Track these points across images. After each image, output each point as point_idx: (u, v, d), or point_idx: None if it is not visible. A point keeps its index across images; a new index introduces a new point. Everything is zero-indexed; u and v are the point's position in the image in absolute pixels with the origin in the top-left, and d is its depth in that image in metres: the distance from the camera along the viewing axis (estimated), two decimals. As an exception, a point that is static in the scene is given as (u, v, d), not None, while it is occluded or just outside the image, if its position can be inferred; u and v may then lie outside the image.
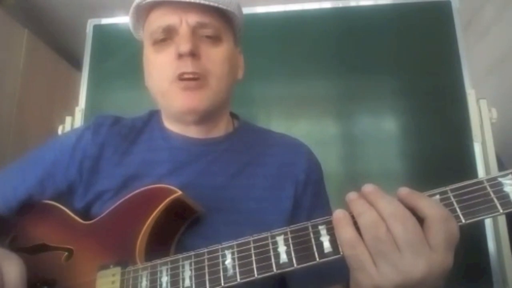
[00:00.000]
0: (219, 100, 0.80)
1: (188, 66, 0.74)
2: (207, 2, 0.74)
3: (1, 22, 2.19)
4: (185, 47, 0.73)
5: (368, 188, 0.51)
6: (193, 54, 0.74)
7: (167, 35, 0.76)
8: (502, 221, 1.48)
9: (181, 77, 0.74)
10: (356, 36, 1.75)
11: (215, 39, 0.78)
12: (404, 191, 0.51)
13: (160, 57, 0.77)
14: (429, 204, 0.48)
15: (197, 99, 0.75)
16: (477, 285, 1.47)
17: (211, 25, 0.77)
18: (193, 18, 0.75)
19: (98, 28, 1.89)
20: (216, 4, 0.75)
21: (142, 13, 0.81)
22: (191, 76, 0.74)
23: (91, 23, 1.89)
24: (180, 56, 0.74)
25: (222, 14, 0.79)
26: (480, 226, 1.49)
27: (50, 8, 2.52)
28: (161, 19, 0.77)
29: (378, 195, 0.50)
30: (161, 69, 0.77)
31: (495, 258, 1.47)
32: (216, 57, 0.78)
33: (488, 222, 1.50)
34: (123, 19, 1.89)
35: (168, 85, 0.76)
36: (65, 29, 2.68)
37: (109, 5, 2.28)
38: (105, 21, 1.90)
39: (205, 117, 0.80)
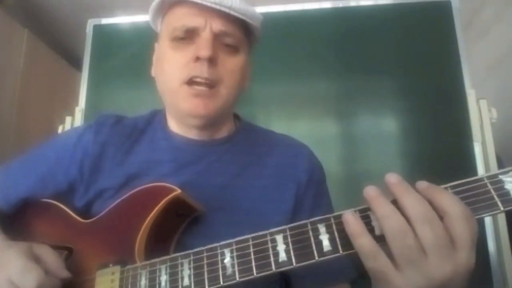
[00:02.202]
0: (225, 109, 0.81)
1: (203, 72, 0.74)
2: (236, 14, 0.75)
3: (1, 22, 2.19)
4: (205, 52, 0.72)
5: (392, 178, 0.49)
6: (211, 60, 0.74)
7: (188, 35, 0.76)
8: (502, 220, 1.48)
9: (193, 81, 0.74)
10: (356, 36, 1.74)
11: (233, 48, 0.79)
12: (423, 185, 0.49)
13: (177, 55, 0.77)
14: (451, 200, 0.46)
15: (206, 107, 0.76)
16: (477, 285, 1.46)
17: (233, 35, 0.78)
18: (217, 25, 0.76)
19: (98, 28, 1.89)
20: (243, 17, 0.76)
21: (166, 6, 0.80)
22: (203, 81, 0.74)
23: (91, 23, 1.89)
24: (197, 59, 0.73)
25: (244, 25, 0.80)
26: (480, 225, 1.46)
27: (50, 8, 2.52)
28: (187, 18, 0.76)
29: (403, 188, 0.48)
30: (175, 68, 0.76)
31: (495, 258, 1.46)
32: (231, 66, 0.78)
33: (488, 222, 1.49)
34: (123, 19, 1.89)
35: (178, 85, 0.76)
36: (65, 29, 2.68)
37: (109, 5, 2.28)
38: (105, 21, 1.90)
39: (208, 123, 0.81)
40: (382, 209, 0.47)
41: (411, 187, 0.48)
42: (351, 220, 0.49)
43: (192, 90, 0.75)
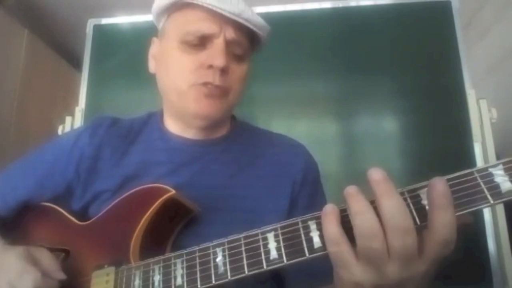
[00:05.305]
0: (228, 112, 0.84)
1: (215, 79, 0.74)
2: (251, 26, 0.76)
3: (1, 22, 2.19)
4: (220, 62, 0.73)
5: (375, 175, 0.45)
6: (224, 70, 0.74)
7: (201, 41, 0.75)
8: (502, 220, 1.47)
9: (204, 85, 0.75)
10: (356, 36, 1.74)
11: (240, 57, 0.79)
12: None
13: (185, 59, 0.76)
14: (444, 221, 0.43)
15: (216, 108, 0.77)
16: (477, 285, 1.47)
17: (242, 45, 0.79)
18: (230, 33, 0.76)
19: (98, 28, 1.89)
20: (256, 29, 0.77)
21: (176, 6, 0.79)
22: (213, 88, 0.75)
23: (91, 23, 1.89)
24: (210, 67, 0.73)
25: (251, 35, 0.80)
26: (480, 225, 1.48)
27: (50, 8, 2.53)
28: (202, 23, 0.75)
29: (386, 187, 0.45)
30: (184, 71, 0.76)
31: (495, 258, 1.46)
32: (238, 75, 0.79)
33: (488, 222, 1.49)
34: (123, 19, 1.90)
35: (187, 87, 0.75)
36: (65, 29, 2.68)
37: (109, 5, 2.29)
38: (105, 21, 1.90)
39: (211, 125, 0.82)
40: (357, 206, 0.46)
41: (394, 188, 0.45)
42: (327, 207, 0.50)
43: (204, 89, 0.74)
